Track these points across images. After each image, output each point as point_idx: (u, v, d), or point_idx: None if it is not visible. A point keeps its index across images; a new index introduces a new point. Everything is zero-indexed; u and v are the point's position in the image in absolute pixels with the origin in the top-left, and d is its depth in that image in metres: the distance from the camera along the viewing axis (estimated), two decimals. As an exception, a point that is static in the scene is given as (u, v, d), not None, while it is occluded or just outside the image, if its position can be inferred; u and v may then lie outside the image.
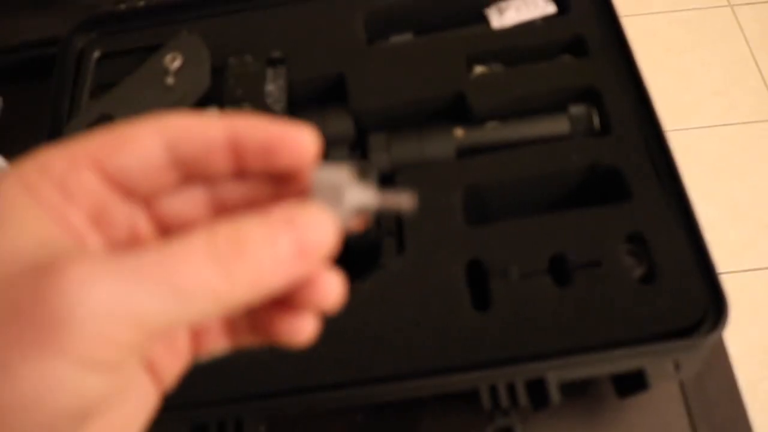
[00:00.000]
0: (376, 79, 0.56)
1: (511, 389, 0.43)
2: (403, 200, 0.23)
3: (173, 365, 0.26)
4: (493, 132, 0.54)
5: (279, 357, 0.46)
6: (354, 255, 0.51)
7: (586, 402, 0.51)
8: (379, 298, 0.47)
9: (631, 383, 0.44)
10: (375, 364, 0.45)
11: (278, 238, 0.21)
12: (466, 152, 0.53)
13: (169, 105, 0.52)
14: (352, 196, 0.23)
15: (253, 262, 0.20)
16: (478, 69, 0.57)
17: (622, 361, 0.43)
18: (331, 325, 0.46)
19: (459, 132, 0.54)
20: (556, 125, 0.54)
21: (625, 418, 0.51)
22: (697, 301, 0.45)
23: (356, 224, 0.23)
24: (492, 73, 0.57)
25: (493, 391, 0.43)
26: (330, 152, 0.54)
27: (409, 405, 0.49)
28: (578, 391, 0.51)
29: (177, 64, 0.54)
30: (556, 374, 0.43)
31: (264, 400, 0.44)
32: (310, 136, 0.23)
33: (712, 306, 0.45)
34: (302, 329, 0.25)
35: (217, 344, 0.26)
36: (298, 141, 0.23)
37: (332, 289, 0.24)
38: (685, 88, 1.42)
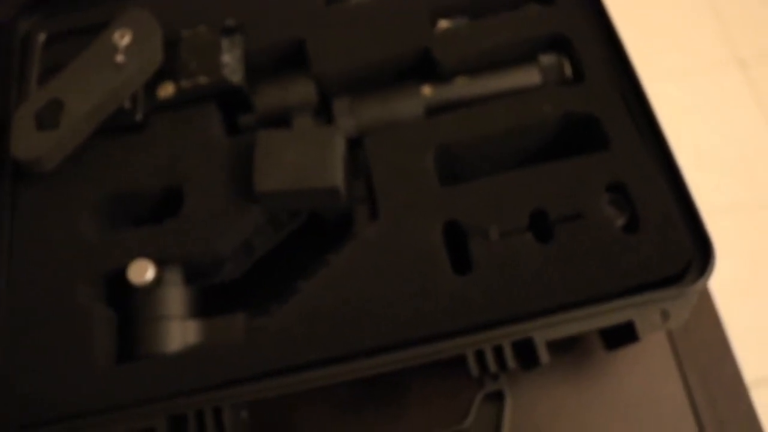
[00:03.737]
0: (336, 42, 0.53)
1: (498, 352, 0.41)
2: None
3: None
4: (462, 88, 0.52)
5: (255, 340, 0.44)
6: (326, 226, 0.50)
7: (574, 356, 0.51)
8: (355, 270, 0.45)
9: (620, 336, 0.43)
10: (355, 338, 0.43)
11: None
12: (436, 110, 0.51)
13: (121, 84, 0.50)
14: None
15: None
16: (443, 23, 0.55)
17: (610, 315, 0.42)
18: (307, 301, 0.45)
19: (427, 90, 0.52)
20: (527, 76, 0.52)
21: (614, 370, 0.50)
22: (683, 247, 0.43)
23: None
24: (457, 27, 0.54)
25: (480, 355, 0.42)
26: (294, 121, 0.52)
27: (396, 375, 0.48)
28: (566, 347, 0.50)
29: (127, 40, 0.51)
30: (543, 334, 0.42)
31: (241, 386, 0.42)
32: None
33: (698, 252, 0.44)
34: None
35: None
36: None
37: None
38: (647, 38, 1.42)
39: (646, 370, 0.51)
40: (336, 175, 0.46)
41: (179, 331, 0.46)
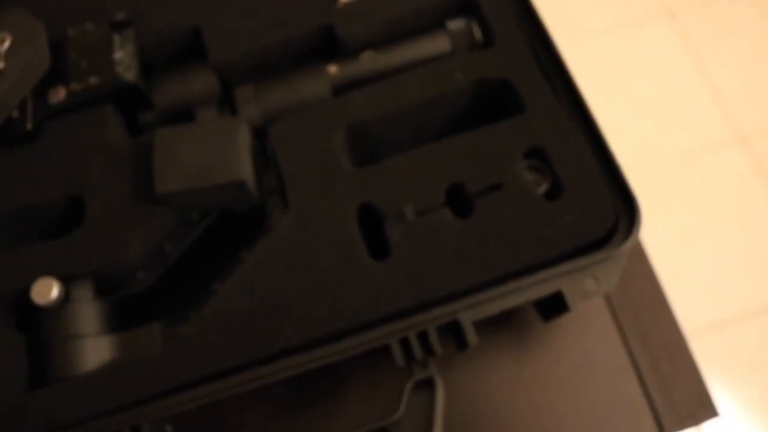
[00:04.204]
0: (234, 26, 0.50)
1: (424, 338, 0.40)
2: None
3: None
4: (369, 63, 0.49)
5: (173, 350, 0.42)
6: (240, 222, 0.47)
7: (512, 331, 0.49)
8: (269, 265, 0.42)
9: (551, 307, 0.42)
10: (274, 338, 0.41)
11: None
12: (343, 89, 0.49)
13: (5, 92, 0.46)
14: None
15: None
16: (344, -3, 0.52)
17: (536, 288, 0.40)
18: (223, 303, 0.42)
19: (332, 68, 0.49)
20: (436, 44, 0.50)
21: (554, 341, 0.49)
22: (607, 209, 0.42)
23: None
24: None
25: (405, 343, 0.40)
26: (197, 114, 0.49)
27: (326, 370, 0.46)
28: (503, 321, 0.48)
29: (6, 45, 0.48)
30: (468, 314, 0.40)
31: (160, 400, 0.40)
32: None
33: (624, 211, 0.42)
34: None
35: None
36: None
37: None
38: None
39: (587, 338, 0.49)
40: (242, 168, 0.43)
41: (93, 349, 0.43)
